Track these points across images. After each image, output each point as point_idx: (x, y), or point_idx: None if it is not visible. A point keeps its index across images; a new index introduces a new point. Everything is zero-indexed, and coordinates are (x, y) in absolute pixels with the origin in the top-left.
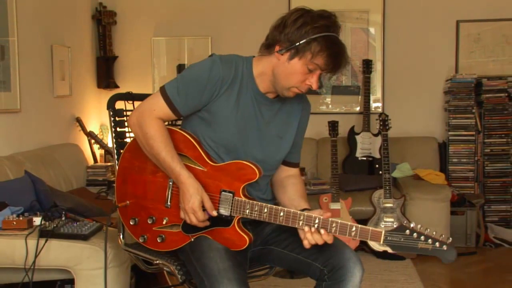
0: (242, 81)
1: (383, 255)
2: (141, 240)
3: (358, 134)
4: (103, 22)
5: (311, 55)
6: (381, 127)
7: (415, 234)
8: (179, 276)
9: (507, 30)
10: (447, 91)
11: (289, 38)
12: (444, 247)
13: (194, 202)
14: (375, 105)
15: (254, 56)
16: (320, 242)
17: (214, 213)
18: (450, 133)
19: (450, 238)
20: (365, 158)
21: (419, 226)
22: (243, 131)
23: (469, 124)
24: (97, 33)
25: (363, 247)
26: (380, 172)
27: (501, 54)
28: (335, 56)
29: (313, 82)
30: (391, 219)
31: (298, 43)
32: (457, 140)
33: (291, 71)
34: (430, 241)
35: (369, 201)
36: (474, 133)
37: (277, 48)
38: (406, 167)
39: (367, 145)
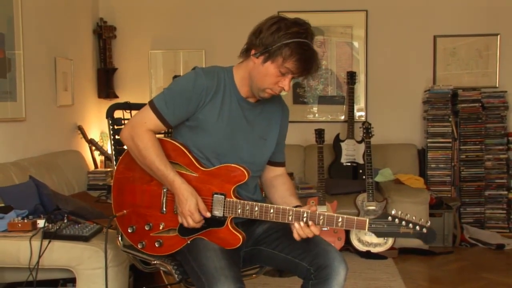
0: (225, 89)
1: (366, 255)
2: (139, 246)
3: (343, 141)
4: (104, 36)
5: (282, 59)
6: (364, 135)
7: (396, 220)
8: (176, 275)
9: (480, 45)
10: (426, 101)
11: (263, 42)
12: (424, 230)
13: (190, 204)
14: (359, 114)
15: (233, 66)
16: (310, 235)
17: (208, 214)
18: (428, 140)
19: (429, 222)
20: (349, 164)
21: (399, 212)
22: (230, 135)
23: (446, 132)
24: (98, 46)
25: (348, 247)
26: (364, 176)
27: (475, 67)
28: (305, 61)
29: (285, 84)
30: None
31: (271, 47)
32: (435, 147)
33: (265, 73)
34: (411, 225)
35: (354, 204)
36: (450, 140)
37: (252, 52)
38: (388, 172)
39: (351, 152)
